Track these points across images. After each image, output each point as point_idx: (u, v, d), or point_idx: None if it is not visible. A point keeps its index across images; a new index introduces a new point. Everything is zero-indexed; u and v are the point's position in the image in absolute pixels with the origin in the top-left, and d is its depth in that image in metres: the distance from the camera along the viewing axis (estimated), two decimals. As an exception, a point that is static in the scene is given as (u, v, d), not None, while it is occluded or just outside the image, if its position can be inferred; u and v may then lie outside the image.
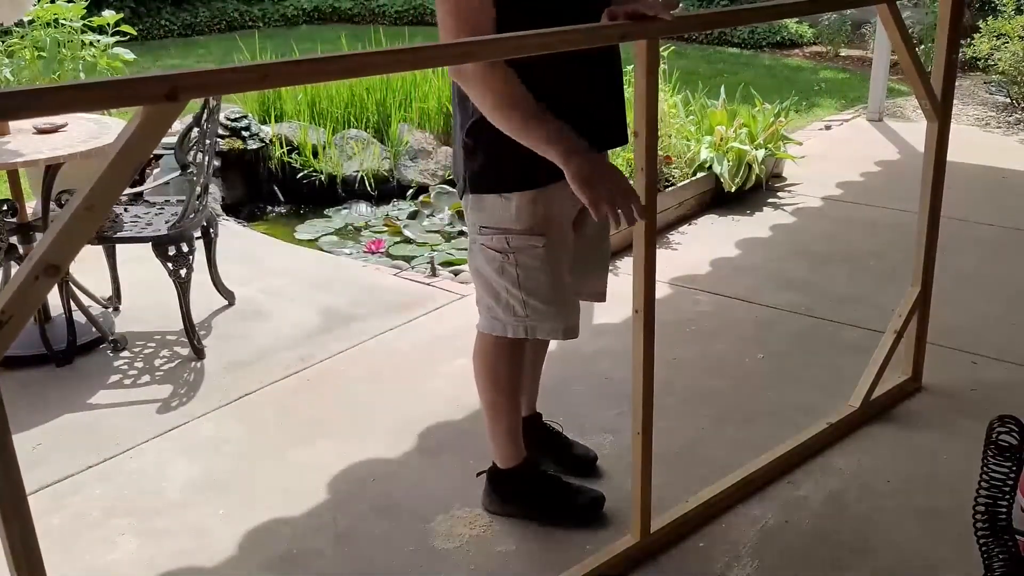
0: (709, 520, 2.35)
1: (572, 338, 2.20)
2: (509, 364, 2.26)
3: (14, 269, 3.30)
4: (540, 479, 2.40)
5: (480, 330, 2.24)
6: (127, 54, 4.95)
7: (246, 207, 5.22)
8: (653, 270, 2.03)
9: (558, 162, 1.86)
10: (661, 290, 3.77)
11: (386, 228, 4.97)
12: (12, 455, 1.30)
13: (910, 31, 8.51)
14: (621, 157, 4.23)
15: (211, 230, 3.58)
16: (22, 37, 4.77)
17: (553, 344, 3.32)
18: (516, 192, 2.05)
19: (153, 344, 3.36)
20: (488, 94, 1.88)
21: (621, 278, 3.89)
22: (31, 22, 4.73)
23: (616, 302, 3.65)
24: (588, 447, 2.63)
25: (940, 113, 2.72)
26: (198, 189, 3.23)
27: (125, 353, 3.29)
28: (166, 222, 3.29)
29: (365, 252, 4.62)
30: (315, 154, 5.42)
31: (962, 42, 8.12)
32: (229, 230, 4.51)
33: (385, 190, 5.43)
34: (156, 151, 3.85)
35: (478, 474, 2.44)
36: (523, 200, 2.06)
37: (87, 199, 1.23)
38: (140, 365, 3.21)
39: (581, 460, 2.59)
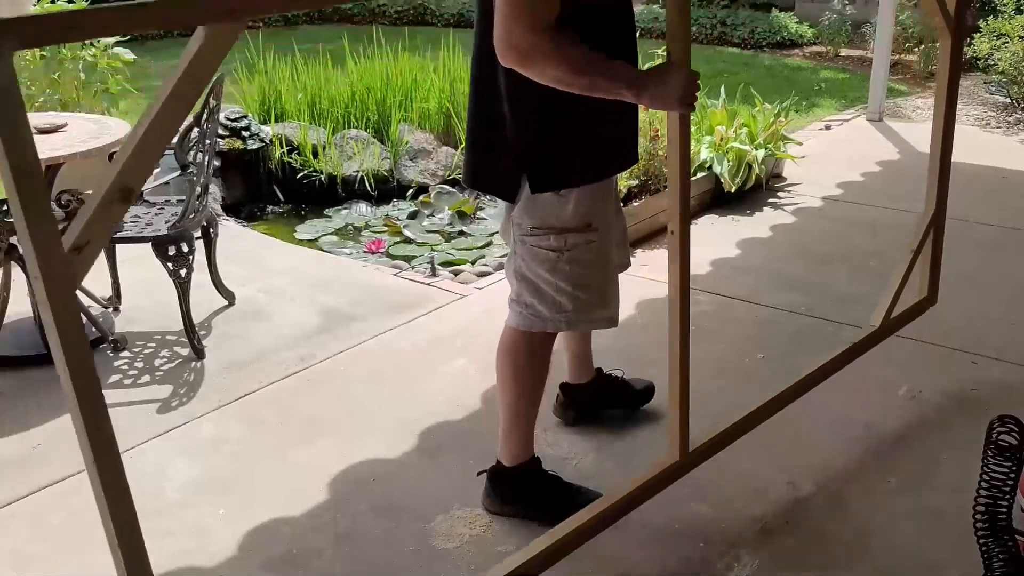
0: (744, 431, 2.51)
1: (614, 327, 2.27)
2: (539, 360, 2.27)
3: (14, 269, 3.31)
4: (543, 479, 2.40)
5: (513, 326, 2.22)
6: (127, 54, 4.95)
7: (246, 207, 5.22)
8: (687, 191, 2.17)
9: (641, 100, 1.92)
10: (661, 290, 3.76)
11: (386, 228, 4.97)
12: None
13: (910, 31, 8.52)
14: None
15: (211, 230, 3.58)
16: (22, 37, 4.77)
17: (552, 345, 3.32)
18: (576, 188, 2.06)
19: (153, 344, 3.36)
20: (562, 64, 1.82)
21: (621, 277, 3.89)
22: (31, 22, 4.72)
23: (616, 302, 3.65)
24: (642, 379, 2.87)
25: (954, 29, 2.76)
26: (198, 189, 3.23)
27: (125, 353, 3.29)
28: (166, 222, 3.29)
29: (365, 252, 4.62)
30: (315, 154, 5.42)
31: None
32: (229, 230, 4.51)
33: (385, 190, 5.43)
34: (156, 151, 3.85)
35: (479, 473, 2.44)
36: (581, 196, 2.07)
37: (156, 121, 1.29)
38: (140, 365, 3.21)
39: (645, 392, 2.83)
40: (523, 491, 2.38)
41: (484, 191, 2.31)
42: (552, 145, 2.02)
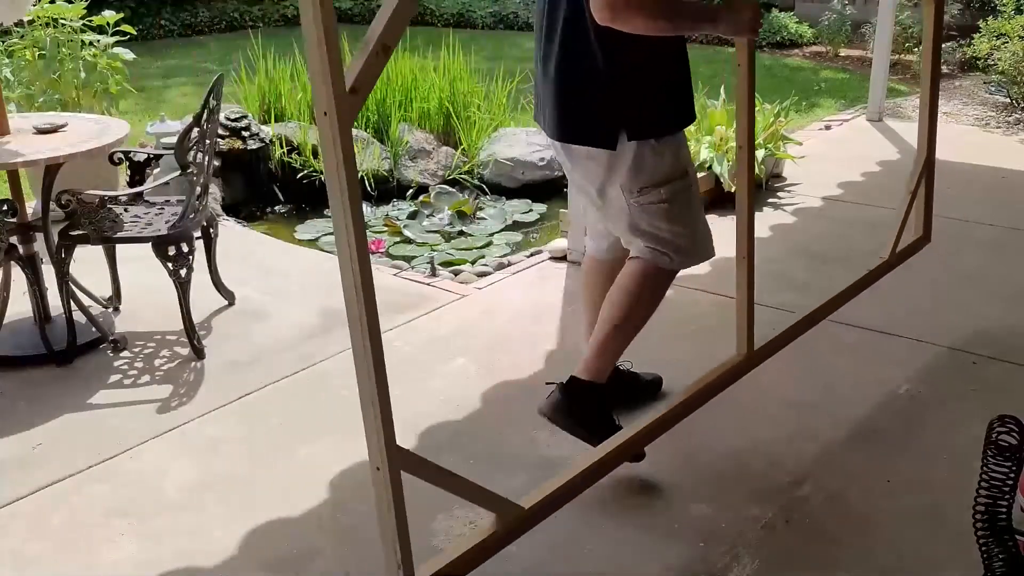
0: (804, 330, 2.92)
1: (712, 257, 2.57)
2: (658, 295, 2.49)
3: (14, 269, 3.31)
4: (605, 406, 2.53)
5: (643, 257, 2.42)
6: (127, 54, 4.95)
7: (246, 207, 5.22)
8: (753, 111, 2.45)
9: (718, 30, 2.26)
10: (661, 290, 3.77)
11: (386, 228, 4.97)
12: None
13: (910, 31, 8.52)
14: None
15: (211, 230, 3.58)
16: (22, 37, 4.77)
17: (553, 344, 3.33)
18: (668, 139, 2.31)
19: (153, 344, 3.36)
20: (651, 12, 2.05)
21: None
22: (31, 22, 4.73)
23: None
24: (653, 373, 2.93)
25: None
26: (198, 189, 3.23)
27: (125, 353, 3.29)
28: (166, 222, 3.29)
29: (365, 252, 4.62)
30: (315, 154, 5.42)
31: (962, 42, 8.13)
32: (229, 230, 4.51)
33: (385, 190, 5.43)
34: (156, 151, 3.85)
35: (548, 383, 2.53)
36: (674, 146, 2.34)
37: None
38: (140, 365, 3.21)
39: (653, 384, 2.85)
40: (588, 408, 2.48)
41: (580, 143, 2.35)
42: (647, 96, 2.27)
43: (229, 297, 3.67)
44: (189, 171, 3.16)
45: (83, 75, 4.74)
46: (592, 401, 2.48)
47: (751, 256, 2.56)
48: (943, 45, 7.96)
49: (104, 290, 3.61)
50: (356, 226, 1.59)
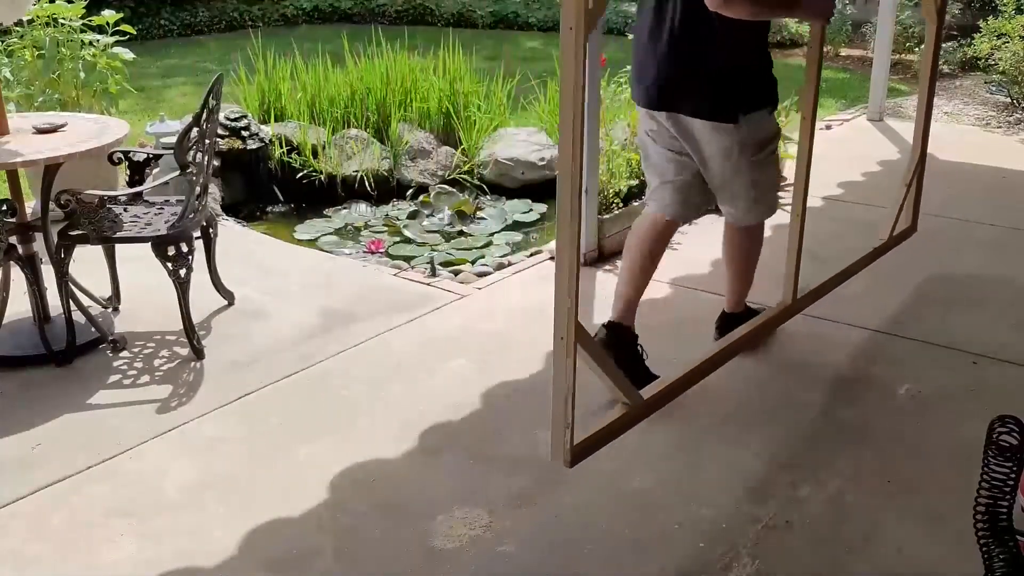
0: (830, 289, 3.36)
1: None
2: (761, 240, 3.11)
3: (14, 269, 3.31)
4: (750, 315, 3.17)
5: (755, 223, 3.02)
6: (127, 53, 4.95)
7: (246, 207, 5.22)
8: (817, 90, 2.89)
9: (796, 14, 2.89)
10: (661, 290, 3.77)
11: (386, 228, 4.97)
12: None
13: (910, 30, 8.52)
14: (621, 157, 4.24)
15: (211, 230, 3.58)
16: (21, 37, 4.76)
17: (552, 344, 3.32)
18: (772, 106, 2.83)
19: (153, 344, 3.36)
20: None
21: (621, 278, 3.90)
22: (31, 22, 4.72)
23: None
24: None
25: (938, 18, 3.60)
26: (198, 189, 3.23)
27: (125, 353, 3.29)
28: (166, 222, 3.29)
29: (365, 252, 4.62)
30: (315, 154, 5.41)
31: (962, 42, 8.13)
32: (229, 230, 4.50)
33: (385, 190, 5.42)
34: (156, 151, 3.85)
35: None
36: (772, 114, 2.85)
37: None
38: (140, 365, 3.21)
39: (648, 376, 2.91)
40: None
41: (707, 118, 2.73)
42: (759, 74, 2.78)
43: (229, 297, 3.67)
44: (189, 171, 3.15)
45: (82, 75, 4.74)
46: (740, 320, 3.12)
47: (803, 215, 3.02)
48: (944, 44, 7.97)
49: (104, 290, 3.61)
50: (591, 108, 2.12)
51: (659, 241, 3.00)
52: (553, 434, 2.28)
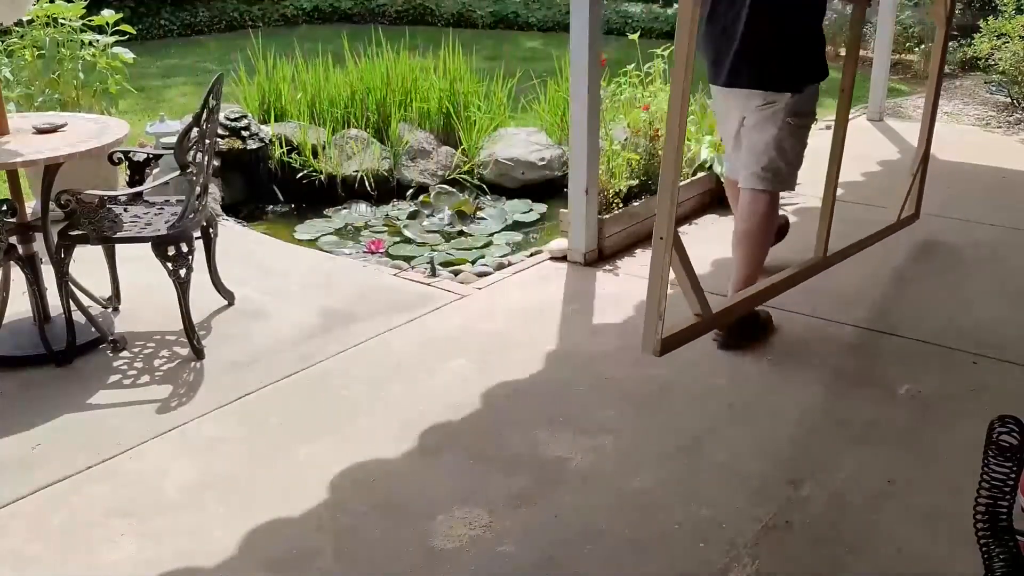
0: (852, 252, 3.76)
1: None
2: (776, 210, 3.33)
3: (14, 269, 3.31)
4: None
5: (761, 190, 3.22)
6: (127, 53, 4.95)
7: (246, 207, 5.22)
8: (855, 61, 3.33)
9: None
10: (661, 290, 3.77)
11: (386, 228, 4.97)
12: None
13: (910, 30, 8.51)
14: (621, 157, 4.24)
15: (211, 230, 3.58)
16: (21, 37, 4.77)
17: (553, 344, 3.33)
18: (818, 83, 3.19)
19: (153, 344, 3.36)
20: None
21: (621, 278, 3.90)
22: (30, 22, 4.72)
23: (615, 302, 3.66)
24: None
25: (946, 23, 4.01)
26: (198, 189, 3.23)
27: (125, 353, 3.29)
28: (166, 222, 3.29)
29: (365, 252, 4.62)
30: (315, 154, 5.42)
31: (962, 42, 8.13)
32: (229, 230, 4.51)
33: (385, 190, 5.42)
34: (156, 151, 3.85)
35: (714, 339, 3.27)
36: (816, 90, 3.20)
37: None
38: (140, 365, 3.21)
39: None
40: (753, 326, 3.30)
41: (768, 88, 3.13)
42: (816, 51, 3.17)
43: (229, 297, 3.67)
44: (189, 171, 3.15)
45: (82, 75, 4.74)
46: (754, 320, 3.33)
47: (836, 177, 3.46)
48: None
49: (104, 290, 3.61)
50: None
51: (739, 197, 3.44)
52: (645, 327, 2.74)
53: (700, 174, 4.65)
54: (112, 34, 4.91)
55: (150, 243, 3.17)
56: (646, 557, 2.26)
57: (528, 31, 11.01)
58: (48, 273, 3.26)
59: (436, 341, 3.37)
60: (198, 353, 3.24)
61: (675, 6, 10.39)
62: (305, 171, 5.37)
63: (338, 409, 2.94)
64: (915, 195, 4.22)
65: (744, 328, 3.27)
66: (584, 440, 2.71)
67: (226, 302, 3.66)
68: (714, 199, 4.73)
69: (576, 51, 3.77)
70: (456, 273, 4.14)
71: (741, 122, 3.28)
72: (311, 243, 4.75)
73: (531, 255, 4.26)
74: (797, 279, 3.43)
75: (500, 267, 4.18)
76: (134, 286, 3.67)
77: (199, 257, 3.39)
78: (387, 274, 4.03)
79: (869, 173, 5.39)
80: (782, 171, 3.22)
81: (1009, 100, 7.05)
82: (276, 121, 5.76)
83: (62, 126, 3.28)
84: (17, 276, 3.32)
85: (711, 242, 4.27)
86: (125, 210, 3.42)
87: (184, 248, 3.20)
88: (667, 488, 2.52)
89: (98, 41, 4.86)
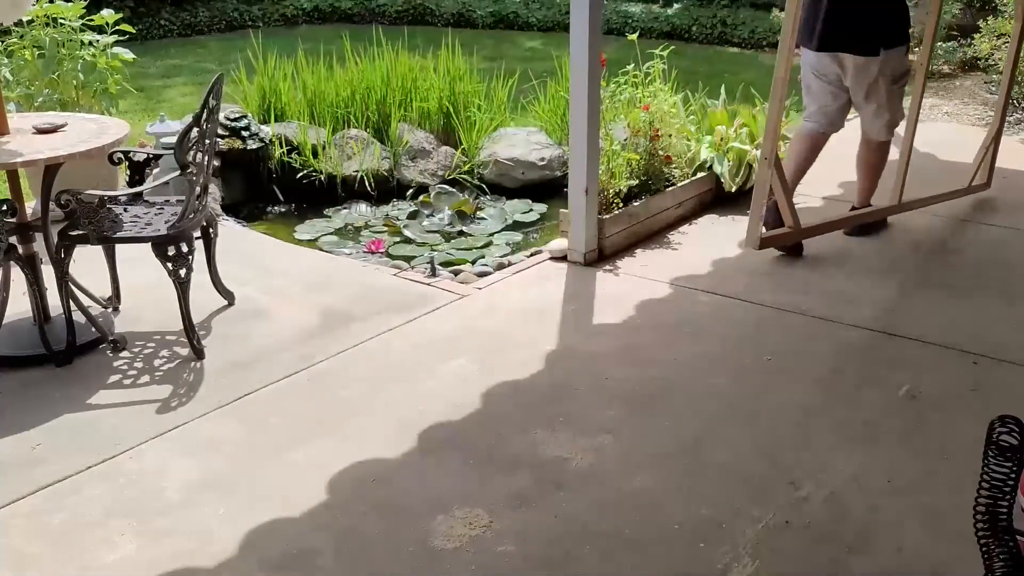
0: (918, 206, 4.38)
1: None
2: (887, 150, 4.30)
3: (14, 269, 3.31)
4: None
5: (881, 139, 4.23)
6: (127, 53, 4.95)
7: (246, 207, 5.22)
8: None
9: None
10: (661, 290, 3.77)
11: (386, 228, 4.97)
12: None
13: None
14: (622, 157, 4.24)
15: (211, 230, 3.58)
16: (21, 37, 4.76)
17: (553, 344, 3.33)
18: (906, 43, 4.05)
19: (153, 344, 3.36)
20: None
21: (621, 278, 3.90)
22: (30, 22, 4.72)
23: (615, 302, 3.66)
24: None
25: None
26: (198, 189, 3.23)
27: (125, 353, 3.29)
28: (166, 222, 3.29)
29: (365, 252, 4.61)
30: (315, 154, 5.41)
31: (962, 42, 8.13)
32: (229, 230, 4.51)
33: (385, 190, 5.42)
34: (156, 151, 3.85)
35: (846, 232, 4.30)
36: (907, 50, 4.05)
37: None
38: (140, 365, 3.21)
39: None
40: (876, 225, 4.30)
41: (854, 52, 3.93)
42: (897, 18, 3.97)
43: (229, 297, 3.67)
44: (189, 171, 3.15)
45: (82, 75, 4.74)
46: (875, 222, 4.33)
47: (914, 131, 4.33)
48: (944, 44, 7.97)
49: (104, 290, 3.61)
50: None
51: (814, 149, 4.22)
52: (749, 228, 3.77)
53: (700, 174, 4.65)
54: (112, 34, 4.91)
55: (150, 243, 3.17)
56: (646, 557, 2.26)
57: (528, 31, 11.01)
58: (48, 273, 3.26)
59: (436, 341, 3.37)
60: (198, 353, 3.24)
61: (675, 6, 10.40)
62: (305, 171, 5.37)
63: (338, 409, 2.94)
64: (987, 165, 4.83)
65: (867, 227, 4.32)
66: (584, 440, 2.71)
67: (226, 302, 3.66)
68: (714, 199, 4.73)
69: (576, 51, 3.77)
70: (456, 273, 4.13)
71: (838, 83, 4.06)
72: (311, 243, 4.75)
73: (531, 255, 4.26)
74: (876, 216, 4.37)
75: (500, 267, 4.18)
76: (134, 286, 3.67)
77: (199, 257, 3.39)
78: (387, 274, 4.03)
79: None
80: (889, 123, 4.19)
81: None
82: (276, 121, 5.76)
83: (62, 126, 3.28)
84: (17, 276, 3.32)
85: (711, 242, 4.27)
86: (125, 210, 3.42)
87: (184, 248, 3.20)
88: (667, 488, 2.52)
89: (98, 41, 4.86)
